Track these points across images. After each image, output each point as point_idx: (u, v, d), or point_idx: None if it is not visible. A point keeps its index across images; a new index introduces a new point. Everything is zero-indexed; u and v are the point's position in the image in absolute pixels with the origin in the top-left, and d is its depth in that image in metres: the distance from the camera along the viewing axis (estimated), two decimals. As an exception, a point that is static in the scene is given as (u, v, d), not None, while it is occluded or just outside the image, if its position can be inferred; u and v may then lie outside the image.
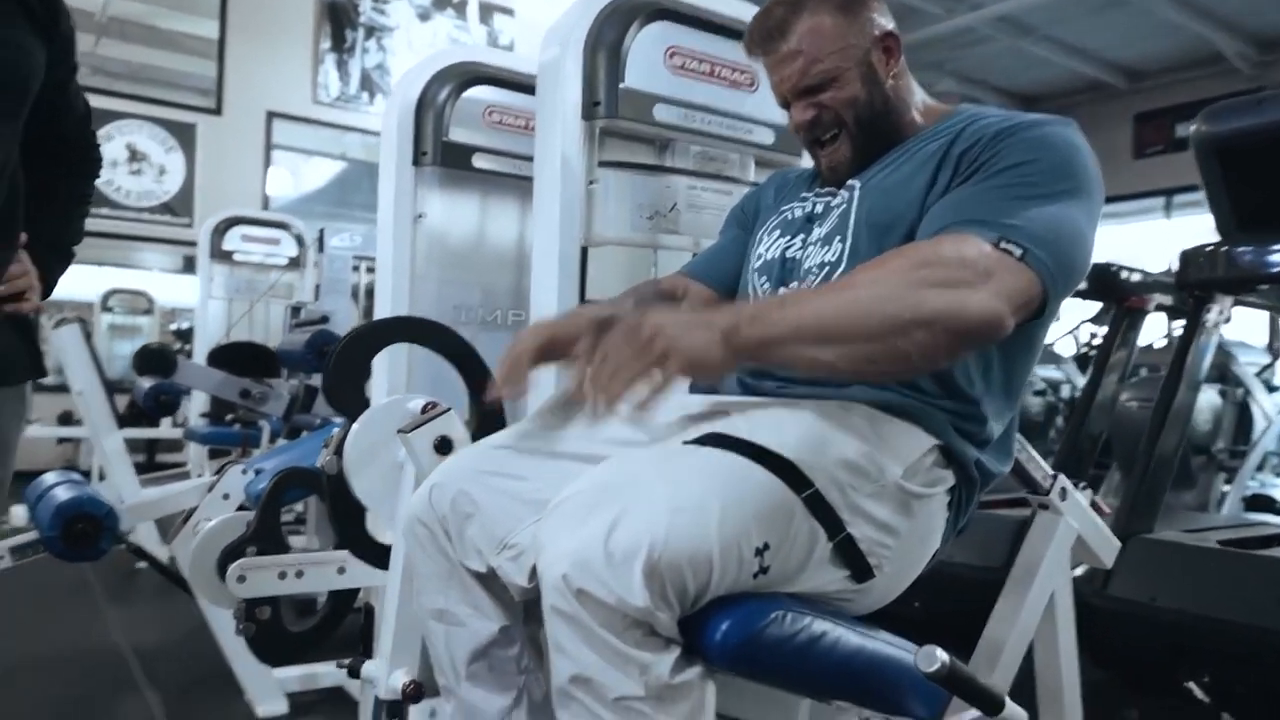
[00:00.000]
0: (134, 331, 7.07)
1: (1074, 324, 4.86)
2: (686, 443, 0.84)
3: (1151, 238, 8.38)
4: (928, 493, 0.95)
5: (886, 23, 1.12)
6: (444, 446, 1.14)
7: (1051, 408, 4.50)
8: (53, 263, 1.31)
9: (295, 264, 4.56)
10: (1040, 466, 1.35)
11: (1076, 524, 1.38)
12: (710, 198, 1.56)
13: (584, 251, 1.49)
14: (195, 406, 4.08)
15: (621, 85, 1.46)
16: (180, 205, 6.40)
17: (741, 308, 0.90)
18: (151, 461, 5.03)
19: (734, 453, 0.82)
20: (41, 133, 1.26)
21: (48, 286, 1.29)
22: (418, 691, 1.14)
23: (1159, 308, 2.65)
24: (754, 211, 1.28)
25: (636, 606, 0.72)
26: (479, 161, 1.85)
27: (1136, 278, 2.57)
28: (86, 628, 2.75)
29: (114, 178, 6.19)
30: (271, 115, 6.69)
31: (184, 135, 6.40)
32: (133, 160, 6.29)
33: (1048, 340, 5.19)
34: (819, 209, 1.12)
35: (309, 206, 6.73)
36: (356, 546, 1.26)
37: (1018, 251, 0.88)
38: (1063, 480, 1.36)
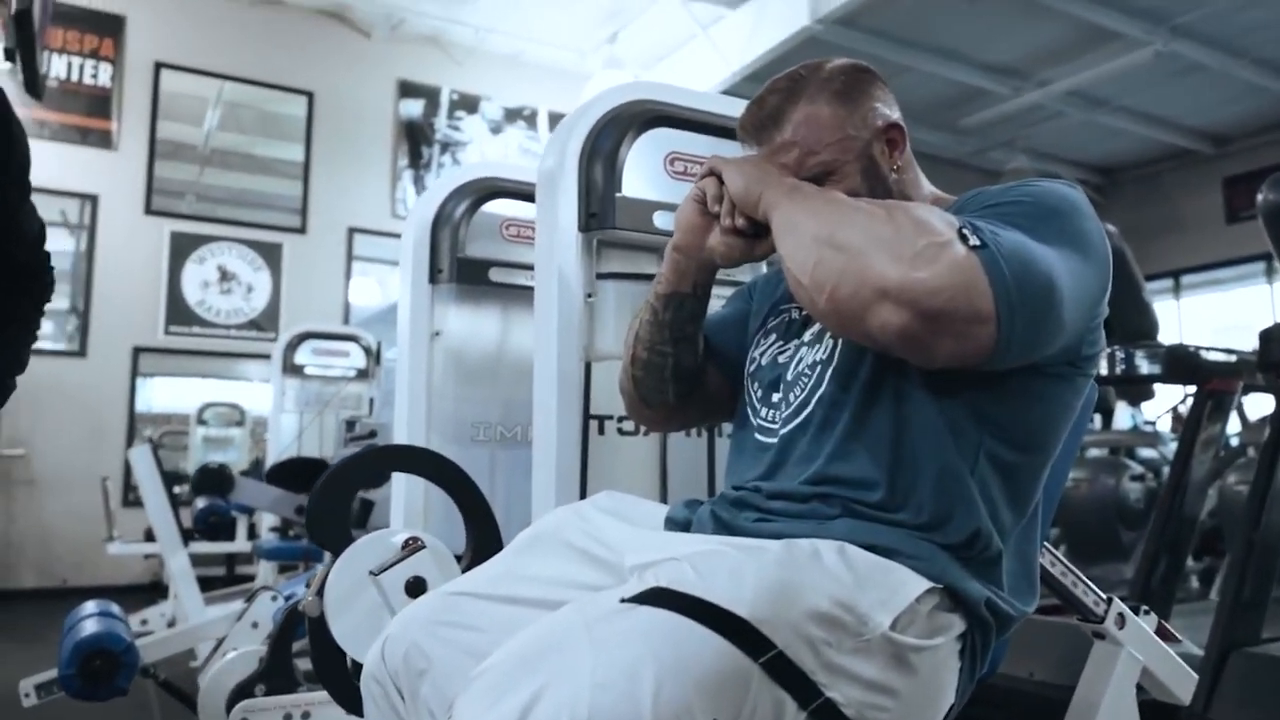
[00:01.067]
0: (227, 443, 7.31)
1: (1172, 402, 4.56)
2: (624, 600, 0.75)
3: (1255, 303, 7.94)
4: (929, 644, 0.83)
5: (891, 113, 1.05)
6: (416, 588, 1.08)
7: (1152, 493, 4.19)
8: None
9: (364, 376, 4.66)
10: (1090, 590, 1.19)
11: (1140, 655, 1.21)
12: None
13: (588, 366, 1.43)
14: (268, 520, 4.14)
15: (619, 194, 1.42)
16: (267, 320, 6.67)
17: (780, 179, 0.97)
18: (231, 574, 5.12)
19: (675, 611, 0.72)
20: None
21: None
22: None
23: (1248, 388, 2.43)
24: (757, 298, 1.22)
25: None
26: (495, 276, 1.83)
27: (1218, 358, 2.37)
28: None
29: (205, 298, 6.50)
30: (352, 231, 6.97)
31: (270, 254, 6.71)
32: (223, 280, 6.62)
33: (1147, 414, 4.89)
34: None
35: (390, 317, 6.93)
36: (339, 692, 1.19)
37: (974, 240, 0.79)
38: (1119, 606, 1.19)
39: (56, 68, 5.97)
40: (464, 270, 1.80)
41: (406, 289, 1.81)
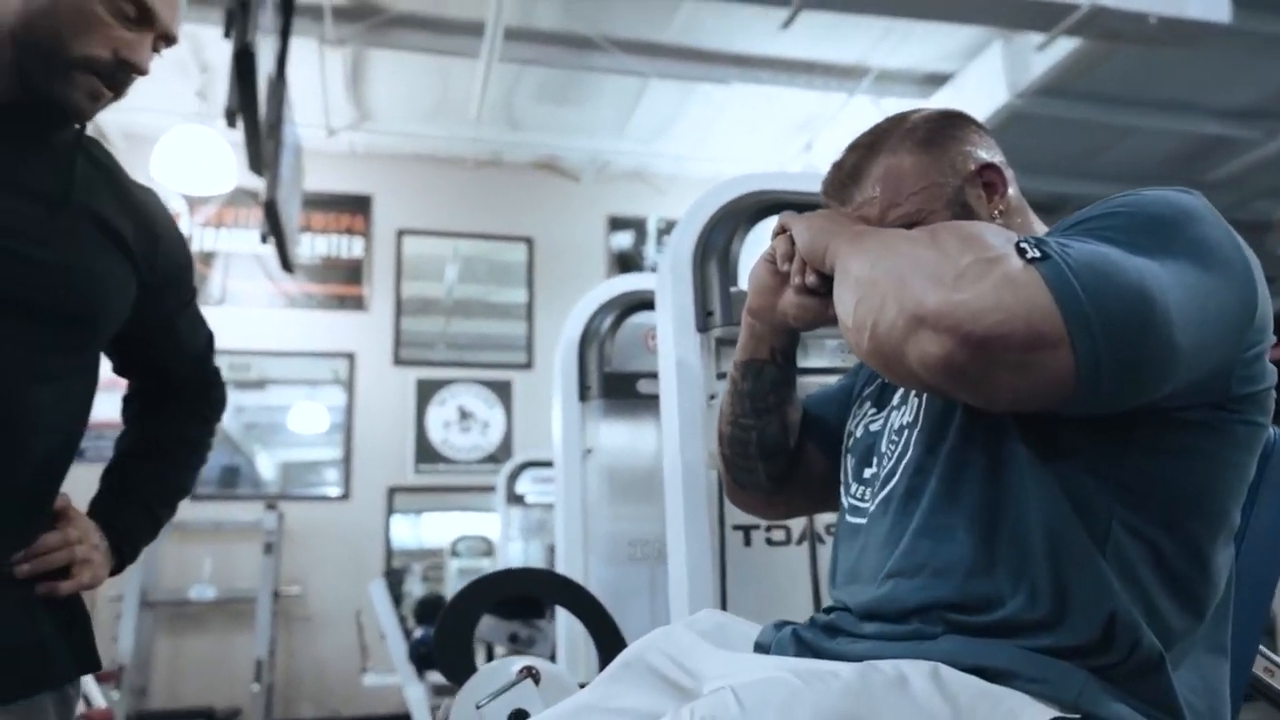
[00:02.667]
0: (478, 573, 7.73)
1: None
2: None
3: None
4: None
5: (985, 155, 0.95)
6: (518, 720, 1.02)
7: None
8: (139, 524, 1.12)
9: (582, 499, 4.76)
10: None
11: None
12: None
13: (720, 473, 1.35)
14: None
15: (733, 289, 1.37)
16: (502, 454, 7.05)
17: (849, 227, 0.90)
18: (474, 702, 5.26)
19: None
20: (144, 375, 1.17)
21: (124, 555, 1.09)
22: None
23: None
24: (863, 369, 1.12)
25: None
26: (644, 387, 1.81)
27: None
28: None
29: (448, 436, 7.00)
30: (574, 362, 7.31)
31: (502, 391, 7.15)
32: (462, 419, 7.12)
33: None
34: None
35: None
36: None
37: (1034, 253, 0.65)
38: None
39: (319, 246, 6.85)
40: (611, 385, 1.79)
41: (558, 408, 1.83)
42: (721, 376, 1.36)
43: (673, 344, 1.38)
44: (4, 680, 0.91)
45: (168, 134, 5.82)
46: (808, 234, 0.92)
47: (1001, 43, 5.62)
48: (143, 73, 1.04)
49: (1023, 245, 0.67)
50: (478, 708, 1.05)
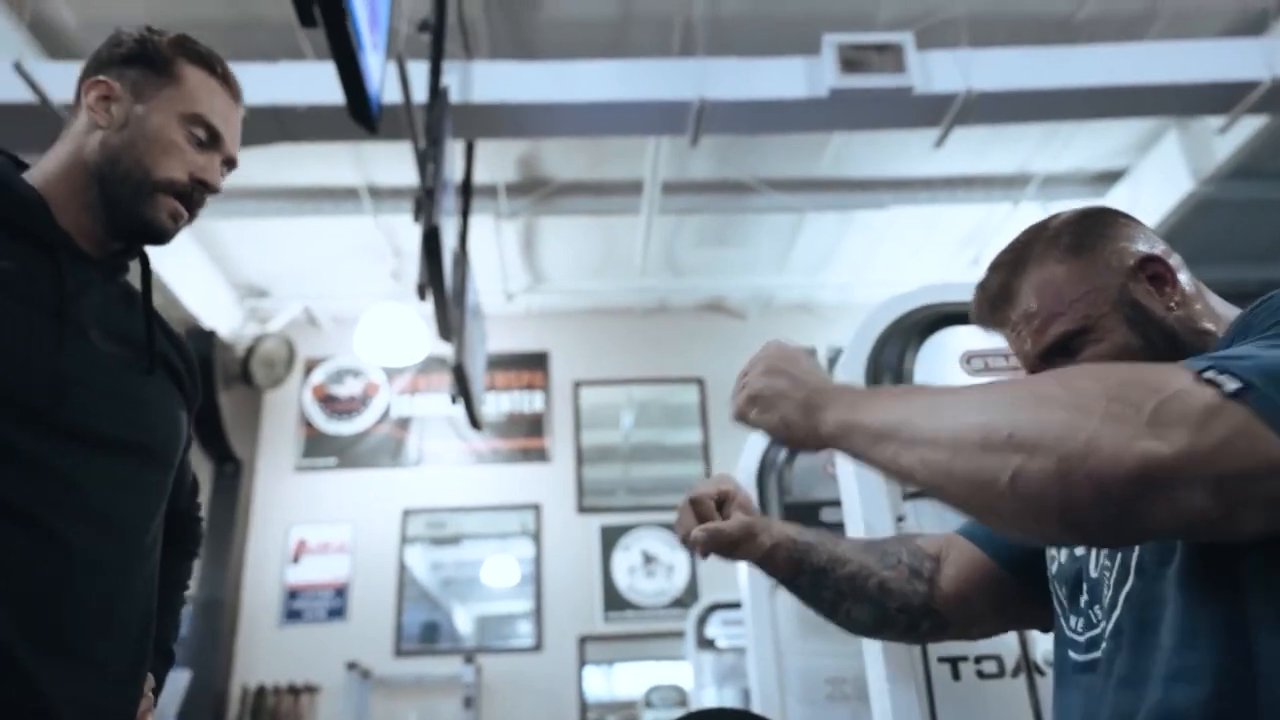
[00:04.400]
0: (674, 726, 7.49)
1: None
2: None
3: None
4: None
5: (1142, 247, 0.90)
6: None
7: None
8: (159, 666, 1.14)
9: (775, 641, 4.58)
10: None
11: None
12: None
13: (916, 599, 1.27)
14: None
15: (911, 406, 1.32)
16: (688, 598, 6.94)
17: (845, 387, 0.84)
18: None
19: None
20: None
21: (155, 696, 1.11)
22: None
23: None
24: None
25: None
26: (826, 516, 1.75)
27: None
28: None
29: (633, 582, 6.98)
30: (755, 499, 7.20)
31: (684, 533, 7.12)
32: (646, 564, 7.09)
33: None
34: None
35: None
36: None
37: (1231, 385, 0.59)
38: None
39: (502, 403, 7.22)
40: (793, 515, 1.75)
41: (741, 543, 1.79)
42: (908, 496, 1.31)
43: (853, 468, 1.34)
44: None
45: (367, 313, 6.42)
46: (776, 413, 0.87)
47: (1177, 131, 5.38)
48: (216, 191, 1.12)
49: (1208, 375, 0.61)
50: None
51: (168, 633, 1.17)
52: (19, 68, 3.69)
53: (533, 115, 4.19)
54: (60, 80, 3.75)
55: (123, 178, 1.05)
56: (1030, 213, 6.18)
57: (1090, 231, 0.90)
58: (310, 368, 7.19)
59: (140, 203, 1.06)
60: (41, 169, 1.07)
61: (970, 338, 1.36)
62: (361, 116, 2.35)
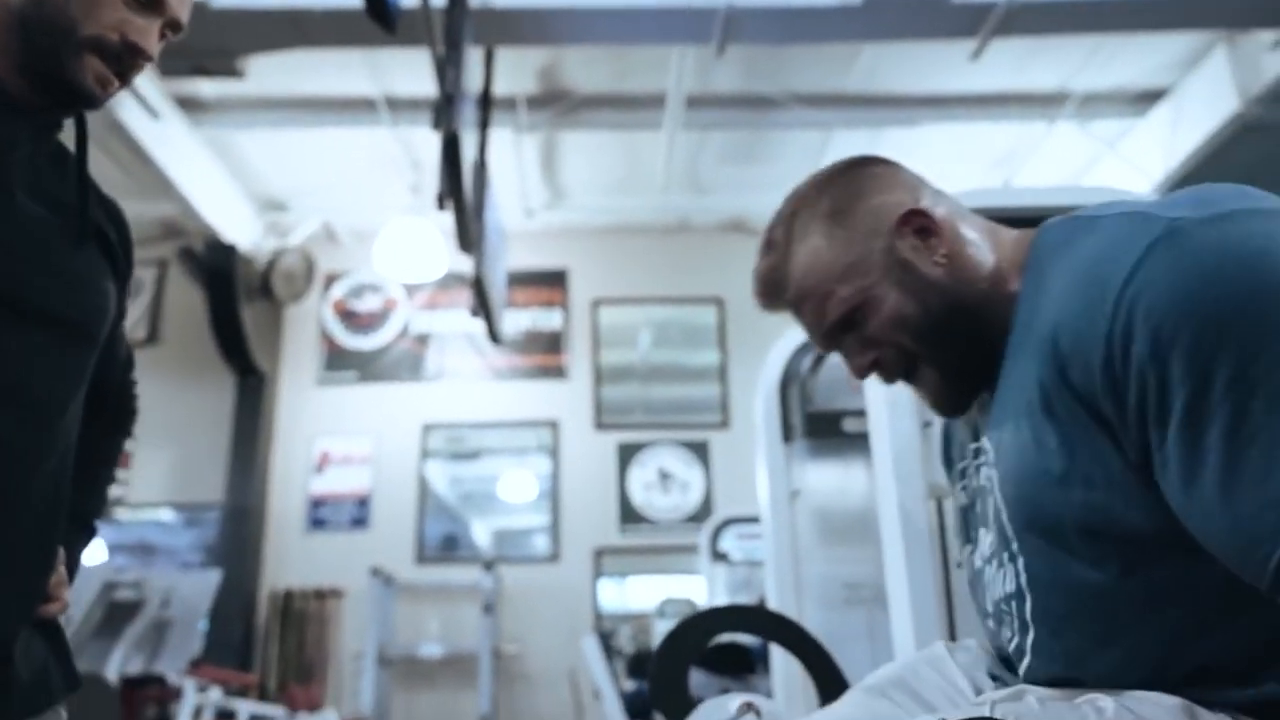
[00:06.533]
0: (686, 636, 7.68)
1: None
2: None
3: None
4: None
5: (903, 198, 0.86)
6: (740, 758, 0.99)
7: None
8: (76, 539, 1.07)
9: (789, 556, 4.65)
10: None
11: None
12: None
13: (938, 503, 1.28)
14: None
15: (942, 312, 1.30)
16: (702, 514, 7.04)
17: None
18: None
19: None
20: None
21: (71, 571, 1.04)
22: None
23: None
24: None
25: None
26: (849, 426, 1.75)
27: None
28: None
29: (650, 498, 7.08)
30: (772, 419, 7.24)
31: (700, 452, 7.18)
32: (662, 480, 7.18)
33: None
34: (974, 482, 0.87)
35: (817, 498, 6.95)
36: None
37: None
38: None
39: (521, 320, 7.22)
40: (814, 425, 1.75)
41: (762, 451, 1.80)
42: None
43: (881, 385, 1.32)
44: (35, 697, 0.95)
45: (386, 228, 6.39)
46: None
47: (1226, 46, 5.17)
48: (149, 58, 0.99)
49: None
50: (698, 748, 1.03)
51: (89, 506, 1.10)
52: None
53: (554, 20, 4.08)
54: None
55: (47, 25, 0.94)
56: (1067, 134, 6.02)
57: (846, 193, 0.86)
58: (330, 282, 7.20)
59: (64, 58, 0.94)
60: None
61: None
62: (380, 16, 2.29)
